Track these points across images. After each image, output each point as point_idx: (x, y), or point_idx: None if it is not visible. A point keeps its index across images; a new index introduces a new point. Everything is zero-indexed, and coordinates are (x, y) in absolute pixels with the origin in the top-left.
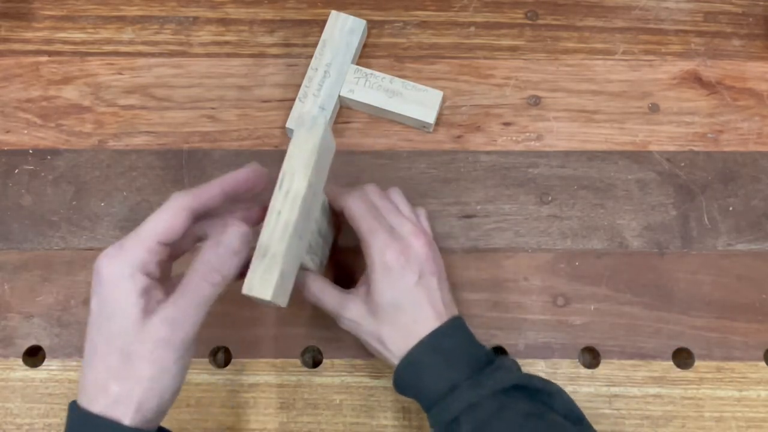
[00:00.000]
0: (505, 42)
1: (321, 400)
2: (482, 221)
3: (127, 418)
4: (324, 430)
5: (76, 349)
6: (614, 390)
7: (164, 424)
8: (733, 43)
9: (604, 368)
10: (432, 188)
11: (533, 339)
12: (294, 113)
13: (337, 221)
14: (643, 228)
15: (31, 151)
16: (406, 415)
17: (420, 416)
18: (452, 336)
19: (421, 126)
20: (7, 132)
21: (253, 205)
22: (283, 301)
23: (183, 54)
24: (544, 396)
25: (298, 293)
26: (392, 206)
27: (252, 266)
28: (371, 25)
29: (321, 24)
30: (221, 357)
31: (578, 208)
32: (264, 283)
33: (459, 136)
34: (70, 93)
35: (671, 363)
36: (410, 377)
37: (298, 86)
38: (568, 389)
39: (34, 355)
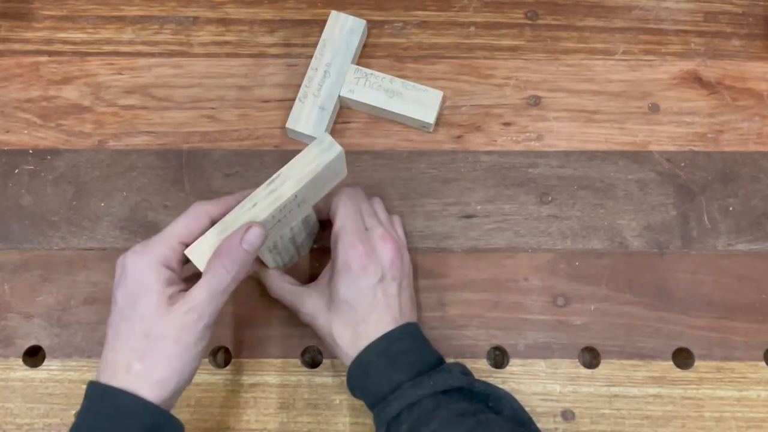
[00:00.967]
0: (505, 42)
1: (321, 400)
2: (482, 221)
3: (146, 392)
4: (324, 430)
5: (76, 349)
6: (614, 390)
7: None
8: (733, 43)
9: (604, 368)
10: (432, 188)
11: (533, 339)
12: (294, 113)
13: (320, 236)
14: (643, 228)
15: (31, 151)
16: None
17: None
18: (403, 340)
19: (421, 126)
20: (7, 132)
21: None
22: None
23: (183, 54)
24: (490, 399)
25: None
26: (371, 210)
27: (207, 233)
28: (371, 25)
29: (321, 24)
30: (221, 357)
31: (578, 208)
32: (202, 252)
33: (459, 136)
34: (70, 93)
35: (671, 363)
36: (359, 378)
37: (298, 86)
38: (568, 389)
39: (34, 355)
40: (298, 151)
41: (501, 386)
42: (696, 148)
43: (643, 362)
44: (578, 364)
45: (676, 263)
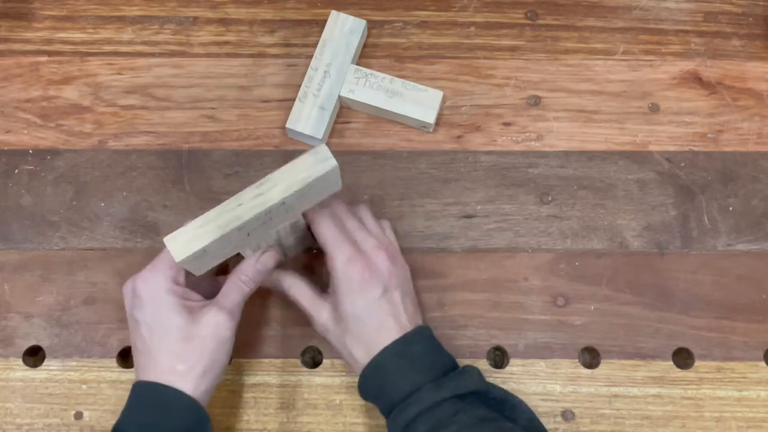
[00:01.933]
0: (505, 42)
1: (321, 400)
2: (482, 221)
3: (189, 388)
4: (324, 430)
5: (76, 349)
6: (614, 390)
7: None
8: (733, 43)
9: (604, 368)
10: (432, 188)
11: (533, 339)
12: (294, 113)
13: (312, 243)
14: (643, 228)
15: (31, 151)
16: None
17: None
18: (417, 343)
19: (421, 126)
20: (7, 132)
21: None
22: (195, 270)
23: (183, 54)
24: (506, 407)
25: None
26: (357, 223)
27: (187, 226)
28: (371, 25)
29: (321, 24)
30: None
31: (578, 208)
32: (183, 247)
33: (459, 136)
34: (70, 93)
35: (671, 363)
36: (375, 381)
37: (298, 86)
38: (568, 389)
39: (34, 355)
40: (298, 152)
41: (501, 386)
42: (696, 148)
43: (643, 362)
44: (578, 364)
45: (676, 263)
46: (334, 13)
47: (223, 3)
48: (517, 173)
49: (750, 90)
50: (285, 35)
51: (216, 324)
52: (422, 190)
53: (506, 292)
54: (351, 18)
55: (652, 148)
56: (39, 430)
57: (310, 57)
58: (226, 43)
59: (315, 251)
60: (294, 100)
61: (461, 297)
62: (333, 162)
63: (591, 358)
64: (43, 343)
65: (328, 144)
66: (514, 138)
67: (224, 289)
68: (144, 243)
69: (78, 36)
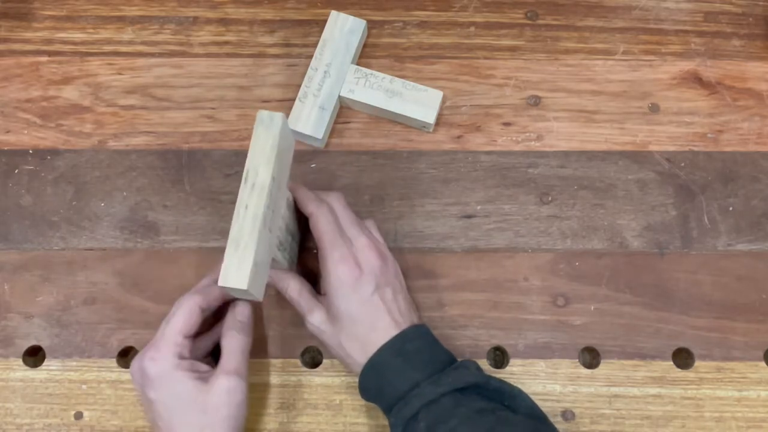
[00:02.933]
0: (505, 42)
1: (321, 400)
2: (482, 221)
3: None
4: (324, 430)
5: (76, 349)
6: (614, 390)
7: None
8: (733, 43)
9: (604, 368)
10: (432, 188)
11: (533, 339)
12: (294, 113)
13: (304, 221)
14: (643, 228)
15: (31, 151)
16: None
17: None
18: (414, 340)
19: (421, 126)
20: (7, 132)
21: None
22: (258, 293)
23: (183, 54)
24: (505, 397)
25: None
26: (353, 217)
27: (226, 259)
28: (371, 25)
29: (321, 24)
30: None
31: (578, 208)
32: (239, 274)
33: (459, 136)
34: (70, 93)
35: (671, 363)
36: (373, 380)
37: (298, 86)
38: (568, 389)
39: (34, 355)
40: (298, 152)
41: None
42: (696, 148)
43: (643, 362)
44: (578, 364)
45: (676, 263)
46: (334, 13)
47: (223, 3)
48: (517, 173)
49: (750, 90)
50: (285, 35)
51: (228, 390)
52: (422, 190)
53: (506, 292)
54: (351, 18)
55: (652, 148)
56: (39, 430)
57: (310, 57)
58: (226, 43)
59: (315, 251)
60: (294, 100)
61: (461, 297)
62: (279, 114)
63: (591, 358)
64: (43, 343)
65: (328, 144)
66: (514, 138)
67: (224, 352)
68: (144, 243)
69: (78, 36)
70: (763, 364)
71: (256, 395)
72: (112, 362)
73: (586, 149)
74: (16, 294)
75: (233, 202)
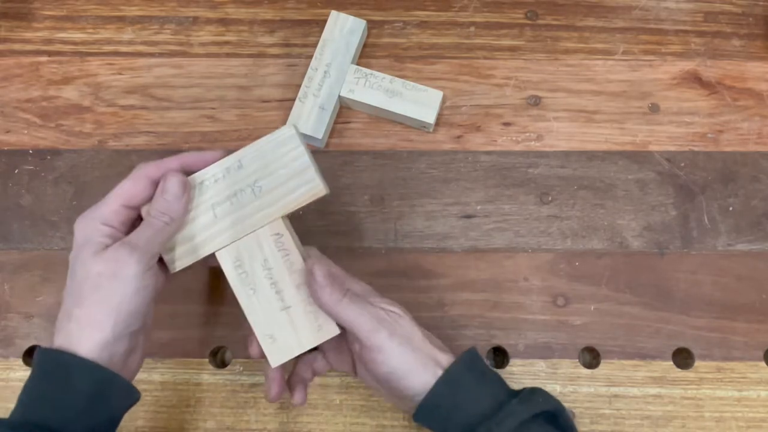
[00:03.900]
0: (505, 42)
1: (321, 400)
2: (482, 221)
3: (83, 347)
4: (324, 430)
5: None
6: (614, 390)
7: (163, 422)
8: (733, 43)
9: (604, 368)
10: (432, 188)
11: (533, 339)
12: (294, 113)
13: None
14: (643, 228)
15: (31, 151)
16: (406, 416)
17: None
18: (478, 359)
19: (421, 126)
20: (7, 132)
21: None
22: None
23: (183, 54)
24: (559, 418)
25: None
26: (362, 286)
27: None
28: (371, 25)
29: (321, 24)
30: (221, 357)
31: (578, 208)
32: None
33: (459, 136)
34: (70, 93)
35: (671, 363)
36: (447, 398)
37: (298, 86)
38: (568, 389)
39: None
40: None
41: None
42: (696, 148)
43: (643, 362)
44: (578, 364)
45: (676, 263)
46: (334, 13)
47: (223, 3)
48: (517, 173)
49: (750, 90)
50: (285, 35)
51: (116, 259)
52: (422, 190)
53: (506, 292)
54: (351, 18)
55: (652, 148)
56: None
57: (310, 57)
58: (226, 43)
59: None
60: (294, 100)
61: (461, 297)
62: (289, 128)
63: (591, 358)
64: (43, 343)
65: (328, 144)
66: (514, 138)
67: (138, 227)
68: None
69: (78, 36)
70: (763, 364)
71: (256, 395)
72: None
73: (586, 149)
74: (16, 294)
75: None
